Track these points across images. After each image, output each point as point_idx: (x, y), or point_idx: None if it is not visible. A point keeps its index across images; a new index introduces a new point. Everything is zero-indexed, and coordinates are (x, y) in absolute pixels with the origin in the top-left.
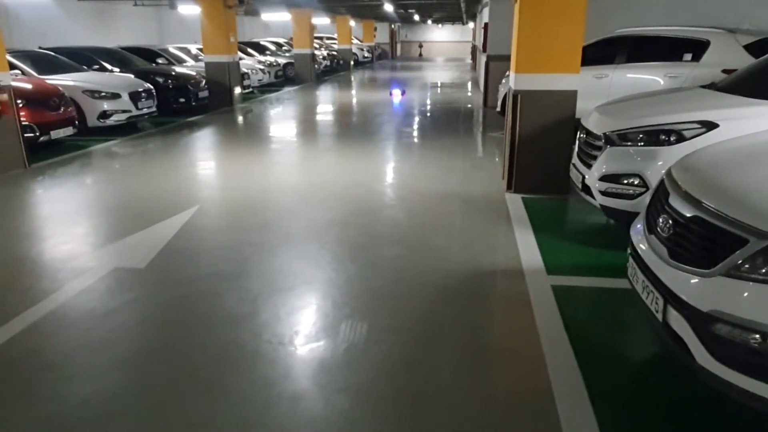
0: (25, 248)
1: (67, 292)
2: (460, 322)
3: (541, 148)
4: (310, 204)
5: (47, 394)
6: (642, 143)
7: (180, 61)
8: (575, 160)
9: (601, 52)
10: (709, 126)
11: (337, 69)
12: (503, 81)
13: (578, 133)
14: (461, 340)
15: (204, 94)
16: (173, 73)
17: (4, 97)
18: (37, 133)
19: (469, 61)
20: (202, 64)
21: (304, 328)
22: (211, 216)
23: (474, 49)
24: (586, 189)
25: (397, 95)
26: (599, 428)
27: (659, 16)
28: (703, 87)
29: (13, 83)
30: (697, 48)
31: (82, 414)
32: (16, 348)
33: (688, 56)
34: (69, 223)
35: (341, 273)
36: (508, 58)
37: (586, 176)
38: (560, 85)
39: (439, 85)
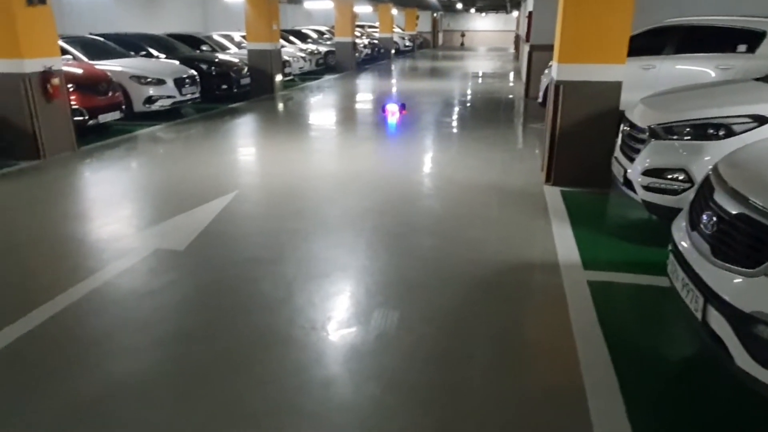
0: (72, 228)
1: (110, 271)
2: (494, 314)
3: (583, 141)
4: (347, 192)
5: (90, 369)
6: (689, 137)
7: (223, 49)
8: (617, 153)
9: (649, 42)
10: (762, 120)
11: (377, 58)
12: (545, 71)
13: (621, 125)
14: (494, 332)
15: (246, 81)
16: (216, 60)
17: (56, 81)
18: (86, 117)
19: (512, 50)
20: (245, 51)
21: (337, 315)
22: (250, 202)
23: (517, 38)
24: (628, 183)
25: (393, 113)
26: (631, 427)
27: (711, 5)
28: (757, 80)
29: (65, 68)
30: (753, 39)
31: (122, 390)
32: (63, 323)
33: (742, 47)
34: (114, 204)
35: (376, 261)
36: (551, 47)
37: (629, 170)
38: (605, 76)
39: (480, 75)
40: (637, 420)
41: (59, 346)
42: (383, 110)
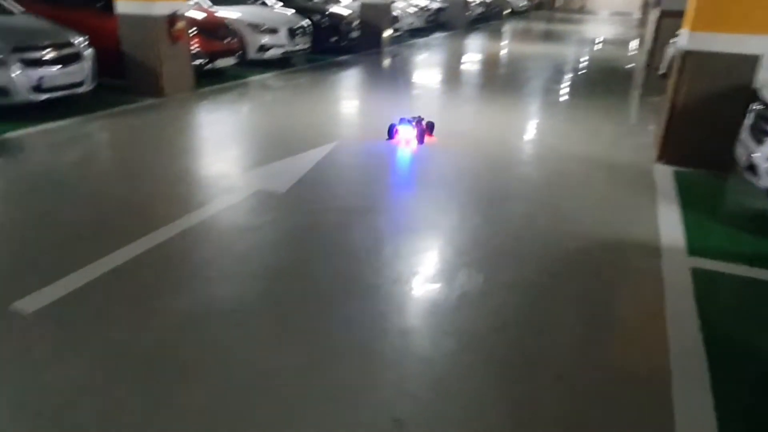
0: (185, 163)
1: (216, 206)
2: (583, 289)
3: (705, 118)
4: (443, 152)
5: (192, 291)
6: None
7: (336, 1)
8: (744, 135)
9: None
10: None
11: (489, 17)
12: (672, 41)
13: (752, 104)
14: (580, 307)
15: (355, 34)
16: (328, 12)
17: (181, 25)
18: (205, 61)
19: (637, 16)
20: (356, 4)
21: (423, 270)
22: (348, 153)
23: (645, 3)
24: (752, 168)
25: (407, 141)
26: (718, 423)
27: None
28: None
29: (189, 13)
30: None
31: (219, 312)
32: (172, 249)
33: None
34: (223, 144)
35: (466, 222)
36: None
37: (755, 154)
38: (742, 48)
39: (599, 41)
40: (724, 417)
41: (166, 269)
42: (390, 134)
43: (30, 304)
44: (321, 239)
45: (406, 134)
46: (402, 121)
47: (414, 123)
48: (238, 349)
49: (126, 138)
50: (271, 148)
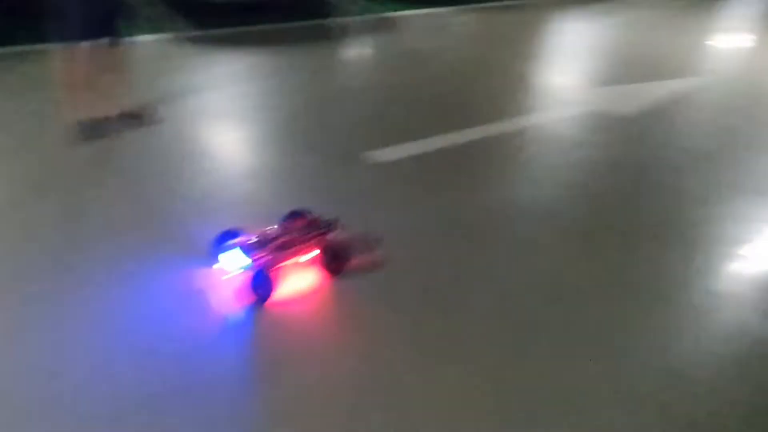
0: (532, 67)
1: (549, 115)
2: None
3: None
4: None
5: (504, 184)
6: None
7: None
8: None
9: None
10: None
11: None
12: None
13: None
14: None
15: None
16: None
17: None
18: None
19: None
20: None
21: (757, 239)
22: (710, 92)
23: None
24: None
25: (229, 265)
26: None
27: None
28: None
29: None
30: None
31: (521, 208)
32: (495, 144)
33: None
34: (574, 56)
35: None
36: None
37: None
38: None
39: None
40: None
41: (485, 160)
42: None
43: (377, 156)
44: (642, 174)
45: (234, 271)
46: (244, 247)
47: (260, 249)
48: (540, 247)
49: (484, 32)
50: (623, 69)
